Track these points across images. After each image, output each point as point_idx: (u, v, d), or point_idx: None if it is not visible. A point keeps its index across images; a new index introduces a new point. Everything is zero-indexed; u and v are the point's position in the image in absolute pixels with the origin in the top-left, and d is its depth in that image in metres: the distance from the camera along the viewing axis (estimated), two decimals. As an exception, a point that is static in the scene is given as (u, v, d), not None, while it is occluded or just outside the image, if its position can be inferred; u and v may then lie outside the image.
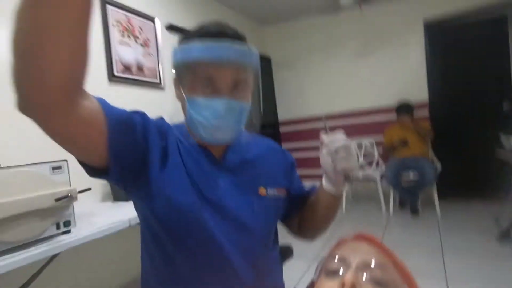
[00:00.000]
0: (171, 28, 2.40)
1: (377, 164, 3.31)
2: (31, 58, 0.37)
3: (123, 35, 2.02)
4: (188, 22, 2.62)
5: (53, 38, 0.36)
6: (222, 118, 0.57)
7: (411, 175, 2.91)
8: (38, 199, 1.02)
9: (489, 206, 2.85)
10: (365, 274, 0.45)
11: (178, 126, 0.68)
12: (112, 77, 1.93)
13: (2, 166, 1.02)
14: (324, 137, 0.63)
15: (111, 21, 1.94)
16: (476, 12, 3.02)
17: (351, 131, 2.94)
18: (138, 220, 1.38)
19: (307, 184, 0.79)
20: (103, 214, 1.44)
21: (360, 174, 3.10)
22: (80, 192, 1.16)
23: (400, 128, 3.09)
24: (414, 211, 2.90)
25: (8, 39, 0.38)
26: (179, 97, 0.63)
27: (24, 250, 0.99)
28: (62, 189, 1.10)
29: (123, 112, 0.57)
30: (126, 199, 1.74)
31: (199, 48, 0.54)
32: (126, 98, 2.04)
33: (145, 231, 0.65)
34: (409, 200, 2.95)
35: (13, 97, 0.41)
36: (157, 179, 0.60)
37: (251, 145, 0.72)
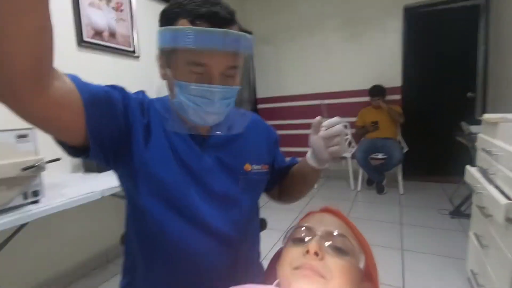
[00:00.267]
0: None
1: (349, 144, 3.45)
2: None
3: (93, -4, 1.87)
4: (165, -13, 2.47)
5: (13, 18, 0.34)
6: (214, 106, 0.56)
7: (379, 156, 3.09)
8: (2, 168, 0.98)
9: (446, 186, 3.12)
10: (327, 242, 0.49)
11: (161, 101, 0.66)
12: (81, 42, 1.81)
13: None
14: (322, 121, 0.62)
15: (79, -21, 1.78)
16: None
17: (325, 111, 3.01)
18: (111, 192, 1.37)
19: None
20: (74, 185, 1.41)
21: (347, 156, 3.23)
22: (48, 162, 1.12)
23: (373, 110, 3.22)
24: (380, 189, 3.10)
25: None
26: (164, 77, 0.60)
27: (-10, 219, 0.96)
28: (29, 158, 1.06)
29: (99, 90, 0.53)
30: (98, 171, 1.70)
31: (192, 36, 0.50)
32: (97, 67, 1.93)
33: (130, 204, 0.65)
34: (375, 179, 3.14)
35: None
36: (140, 156, 0.59)
37: (237, 121, 0.71)
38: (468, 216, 1.77)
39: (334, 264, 0.46)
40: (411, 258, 1.85)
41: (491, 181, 1.23)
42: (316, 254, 0.46)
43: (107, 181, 1.40)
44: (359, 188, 3.24)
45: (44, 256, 1.65)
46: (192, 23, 0.53)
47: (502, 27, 2.71)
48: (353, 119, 3.38)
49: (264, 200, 0.81)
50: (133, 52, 2.19)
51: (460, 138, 2.28)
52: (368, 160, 3.09)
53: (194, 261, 0.62)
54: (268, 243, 0.78)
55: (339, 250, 0.48)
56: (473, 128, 2.13)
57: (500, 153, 1.15)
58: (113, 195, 1.35)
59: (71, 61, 1.77)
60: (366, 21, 3.44)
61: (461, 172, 1.54)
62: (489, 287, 1.21)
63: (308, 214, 0.60)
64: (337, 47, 3.61)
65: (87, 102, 0.49)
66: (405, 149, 3.10)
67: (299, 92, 3.89)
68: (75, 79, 0.49)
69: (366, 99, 3.35)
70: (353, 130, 3.37)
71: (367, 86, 3.28)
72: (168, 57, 0.57)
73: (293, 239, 0.52)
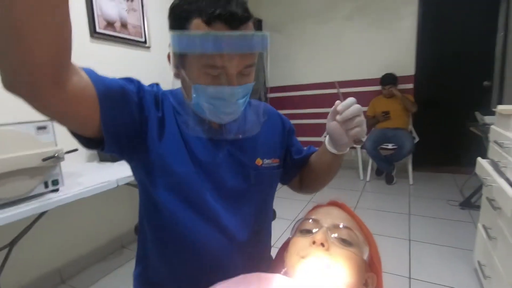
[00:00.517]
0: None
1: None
2: (16, 37, 0.35)
3: (104, -13, 1.89)
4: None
5: (37, 14, 0.34)
6: (233, 106, 0.56)
7: (389, 146, 3.06)
8: (25, 158, 1.03)
9: (458, 177, 3.08)
10: (333, 233, 0.51)
11: (174, 93, 0.66)
12: (94, 33, 1.84)
13: (-15, 124, 1.01)
14: (338, 103, 0.59)
15: (90, -30, 1.79)
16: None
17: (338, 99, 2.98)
18: (125, 181, 1.42)
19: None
20: (90, 174, 1.47)
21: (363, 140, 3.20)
22: (67, 152, 1.17)
23: (384, 100, 3.17)
24: (389, 179, 3.08)
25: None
26: (178, 76, 0.59)
27: (14, 207, 1.02)
28: (49, 149, 1.11)
29: (114, 84, 0.53)
30: (112, 160, 1.76)
31: (211, 42, 0.48)
32: (109, 57, 1.97)
33: (143, 195, 0.66)
34: (385, 169, 3.13)
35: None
36: (155, 149, 0.59)
37: (250, 114, 0.69)
38: (478, 207, 1.76)
39: (339, 255, 0.49)
40: (418, 249, 1.86)
41: (502, 174, 1.22)
42: (322, 244, 0.48)
43: (122, 170, 1.45)
44: (368, 178, 3.24)
45: (62, 242, 1.74)
46: (208, 24, 0.50)
47: (523, 13, 2.60)
48: (364, 108, 3.33)
49: (272, 191, 0.82)
50: (145, 42, 2.22)
51: (473, 128, 2.24)
52: (378, 150, 3.06)
53: (204, 254, 0.63)
54: (276, 232, 0.80)
55: (344, 242, 0.51)
56: (488, 119, 2.09)
57: (512, 146, 1.14)
58: (128, 184, 1.40)
59: (85, 52, 1.80)
60: (379, 7, 3.34)
61: (473, 163, 1.52)
62: (496, 278, 1.22)
63: (315, 207, 0.63)
64: (349, 35, 3.53)
65: (102, 97, 0.49)
66: (416, 140, 3.07)
67: (310, 81, 3.84)
68: (90, 73, 0.49)
69: (377, 88, 3.30)
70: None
71: (379, 75, 3.22)
72: (182, 59, 0.55)
73: (301, 230, 0.55)
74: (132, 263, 0.75)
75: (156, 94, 0.63)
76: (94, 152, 1.85)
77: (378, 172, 3.31)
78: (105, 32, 1.91)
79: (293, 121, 0.80)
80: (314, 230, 0.53)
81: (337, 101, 0.60)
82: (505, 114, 1.27)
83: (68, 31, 0.39)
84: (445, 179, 3.11)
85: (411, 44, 3.29)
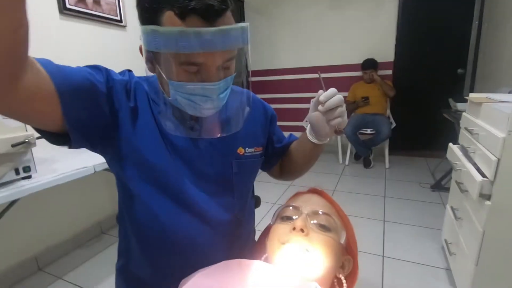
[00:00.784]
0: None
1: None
2: None
3: (73, -41, 1.75)
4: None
5: None
6: (214, 101, 0.53)
7: (368, 131, 3.15)
8: (-8, 145, 0.97)
9: (430, 161, 3.25)
10: (313, 220, 0.53)
11: (151, 81, 0.62)
12: (64, 9, 1.71)
13: None
14: (321, 93, 0.59)
15: None
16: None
17: (318, 85, 3.00)
18: (103, 167, 1.38)
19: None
20: (65, 160, 1.41)
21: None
22: (38, 138, 1.12)
23: (364, 85, 3.23)
24: (367, 163, 3.20)
25: None
26: (152, 70, 0.55)
27: (-17, 195, 0.97)
28: (18, 134, 1.05)
29: (77, 75, 0.49)
30: (89, 145, 1.70)
31: (186, 41, 0.44)
32: (80, 37, 1.85)
33: (121, 189, 0.65)
34: (363, 153, 3.23)
35: None
36: (129, 141, 0.57)
37: (231, 99, 0.67)
38: (448, 190, 1.87)
39: (318, 240, 0.50)
40: (392, 229, 1.97)
41: (470, 159, 1.30)
42: (302, 230, 0.50)
43: (99, 156, 1.41)
44: (347, 162, 3.34)
45: (38, 229, 1.69)
46: (182, 18, 0.45)
47: (497, 1, 2.68)
48: (345, 94, 3.39)
49: (254, 177, 0.83)
50: (120, 21, 2.10)
51: (446, 115, 2.34)
52: (356, 135, 3.15)
53: (187, 245, 0.62)
54: (257, 216, 0.82)
55: (323, 227, 0.53)
56: (460, 106, 2.19)
57: (481, 132, 1.20)
58: (106, 169, 1.36)
59: (54, 31, 1.68)
60: (361, -8, 3.34)
61: (446, 148, 1.60)
62: (460, 255, 1.32)
63: (296, 194, 0.64)
64: (331, 20, 3.52)
65: (62, 91, 0.46)
66: (393, 125, 3.17)
67: (291, 66, 3.83)
68: (47, 65, 0.45)
69: (358, 73, 3.35)
70: (344, 105, 3.40)
71: (360, 60, 3.26)
72: (156, 55, 0.51)
73: (282, 217, 0.56)
74: (112, 249, 0.75)
75: (127, 83, 0.59)
76: (68, 136, 1.77)
77: (356, 156, 3.42)
78: (76, 8, 1.79)
79: (273, 106, 0.79)
80: (294, 217, 0.54)
81: (320, 91, 0.59)
82: (476, 102, 1.33)
83: (24, 32, 0.35)
84: (419, 163, 3.27)
85: (391, 31, 3.33)
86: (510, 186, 1.01)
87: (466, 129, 1.40)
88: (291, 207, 0.56)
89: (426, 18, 3.30)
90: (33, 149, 1.14)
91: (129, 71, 0.64)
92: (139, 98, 0.60)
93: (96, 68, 0.55)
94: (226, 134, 0.59)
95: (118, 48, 2.10)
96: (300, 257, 0.48)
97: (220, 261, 0.51)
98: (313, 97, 0.63)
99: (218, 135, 0.60)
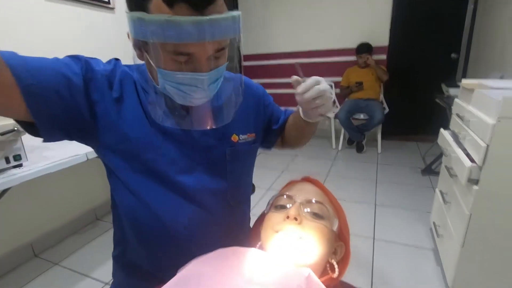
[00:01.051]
0: None
1: (334, 103, 3.49)
2: None
3: None
4: None
5: None
6: (204, 92, 0.52)
7: (361, 117, 3.17)
8: (-20, 133, 0.95)
9: (422, 146, 3.30)
10: (306, 208, 0.54)
11: (142, 69, 0.59)
12: (48, -10, 1.64)
13: None
14: (300, 81, 0.59)
15: None
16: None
17: (313, 70, 2.97)
18: (95, 155, 1.37)
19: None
20: (58, 148, 1.39)
21: (330, 116, 3.28)
22: (28, 126, 1.10)
23: (358, 70, 3.21)
24: (359, 148, 3.24)
25: None
26: (141, 57, 0.53)
27: (-27, 184, 0.96)
28: (7, 122, 1.03)
29: (46, 68, 0.48)
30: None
31: (175, 30, 0.42)
32: (65, 19, 1.77)
33: (113, 179, 0.64)
34: (356, 138, 3.26)
35: None
36: (114, 130, 0.56)
37: (223, 88, 0.64)
38: (438, 174, 1.91)
39: (311, 227, 0.52)
40: (382, 212, 2.02)
41: (460, 144, 1.32)
42: (295, 219, 0.51)
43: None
44: (340, 147, 3.37)
45: (33, 216, 1.69)
46: (170, 5, 0.43)
47: (493, -15, 2.65)
48: (339, 78, 3.37)
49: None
50: (108, 2, 2.02)
51: (438, 100, 2.36)
52: (350, 120, 3.17)
53: (181, 233, 0.62)
54: (251, 202, 0.83)
55: (316, 215, 0.54)
56: (452, 91, 2.20)
57: (472, 119, 1.22)
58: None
59: (37, 14, 1.60)
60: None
61: (437, 133, 1.63)
62: (447, 237, 1.37)
63: (289, 183, 0.65)
64: (326, 3, 3.45)
65: (25, 86, 0.45)
66: (387, 110, 3.19)
67: (286, 50, 3.77)
68: (11, 60, 0.44)
69: (352, 58, 3.32)
70: (338, 90, 3.39)
71: (354, 45, 3.22)
72: (144, 43, 0.49)
73: (276, 206, 0.57)
74: (107, 235, 0.75)
75: (109, 74, 0.57)
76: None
77: (349, 141, 3.45)
78: (61, -11, 1.71)
79: (267, 90, 0.79)
80: (288, 206, 0.55)
81: (294, 77, 0.59)
82: (468, 88, 1.34)
83: None
84: (410, 147, 3.32)
85: (387, 15, 3.29)
86: (497, 172, 1.04)
87: (457, 115, 1.42)
88: (284, 196, 0.57)
89: (421, 2, 3.26)
90: (23, 137, 1.12)
91: (116, 59, 0.62)
92: (125, 88, 0.58)
93: (75, 58, 0.54)
94: (217, 126, 0.59)
95: (106, 31, 2.02)
96: (294, 245, 0.49)
97: (216, 249, 0.52)
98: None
99: (208, 127, 0.59)
